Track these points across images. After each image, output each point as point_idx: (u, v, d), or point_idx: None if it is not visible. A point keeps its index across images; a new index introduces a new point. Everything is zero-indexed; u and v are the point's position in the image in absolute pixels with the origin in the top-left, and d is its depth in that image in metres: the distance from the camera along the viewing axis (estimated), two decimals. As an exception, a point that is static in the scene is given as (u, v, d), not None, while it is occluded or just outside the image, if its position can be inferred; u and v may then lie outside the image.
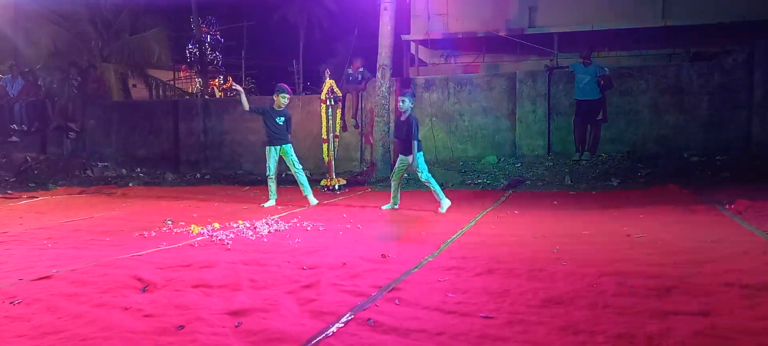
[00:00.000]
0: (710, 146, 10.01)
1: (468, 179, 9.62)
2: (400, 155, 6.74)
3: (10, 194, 9.69)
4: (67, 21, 15.31)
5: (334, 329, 2.75)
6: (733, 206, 6.01)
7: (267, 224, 5.78)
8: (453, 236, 5.04)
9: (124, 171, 12.64)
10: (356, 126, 11.68)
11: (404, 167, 6.72)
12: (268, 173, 7.63)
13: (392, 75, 10.64)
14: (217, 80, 28.70)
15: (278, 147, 7.54)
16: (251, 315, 2.97)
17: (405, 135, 6.55)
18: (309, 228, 5.70)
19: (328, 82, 8.99)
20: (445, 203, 6.57)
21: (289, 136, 7.64)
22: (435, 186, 6.65)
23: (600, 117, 10.26)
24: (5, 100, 13.92)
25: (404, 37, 15.18)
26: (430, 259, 4.18)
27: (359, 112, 11.65)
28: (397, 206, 6.91)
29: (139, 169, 12.91)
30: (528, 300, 3.12)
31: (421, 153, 6.63)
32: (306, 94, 17.74)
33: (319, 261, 4.15)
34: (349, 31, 21.69)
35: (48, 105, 13.94)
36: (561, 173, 9.60)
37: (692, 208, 6.28)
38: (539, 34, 13.98)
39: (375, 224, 5.95)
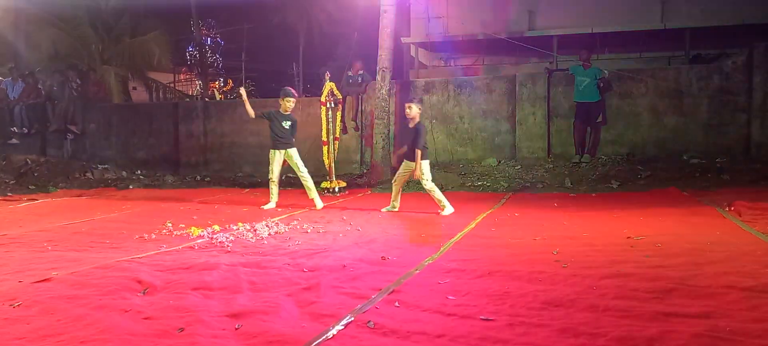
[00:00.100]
0: (710, 149, 10.01)
1: (468, 182, 9.61)
2: (405, 161, 6.76)
3: (10, 196, 9.68)
4: (67, 24, 15.37)
5: (334, 331, 2.74)
6: (733, 208, 6.00)
7: (267, 226, 5.78)
8: (453, 238, 5.04)
9: (124, 173, 12.63)
10: (356, 128, 11.68)
11: (408, 173, 6.73)
12: (270, 175, 7.63)
13: (392, 77, 10.64)
14: (217, 83, 28.71)
15: (283, 151, 7.55)
16: (251, 317, 2.97)
17: (412, 142, 6.57)
18: (309, 230, 5.70)
19: (329, 85, 9.00)
20: (449, 209, 6.56)
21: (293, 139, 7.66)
22: (438, 195, 6.64)
23: (600, 119, 10.26)
24: (5, 102, 13.96)
25: (404, 39, 15.20)
26: (430, 261, 4.17)
27: (359, 114, 11.65)
28: (396, 209, 6.92)
29: (139, 172, 12.89)
30: (528, 302, 3.11)
31: (427, 161, 6.63)
32: (306, 96, 17.75)
33: (319, 263, 4.14)
34: (349, 34, 21.76)
35: (48, 108, 13.95)
36: (561, 175, 9.60)
37: (692, 210, 6.27)
38: (539, 37, 13.99)
39: (375, 226, 5.95)
